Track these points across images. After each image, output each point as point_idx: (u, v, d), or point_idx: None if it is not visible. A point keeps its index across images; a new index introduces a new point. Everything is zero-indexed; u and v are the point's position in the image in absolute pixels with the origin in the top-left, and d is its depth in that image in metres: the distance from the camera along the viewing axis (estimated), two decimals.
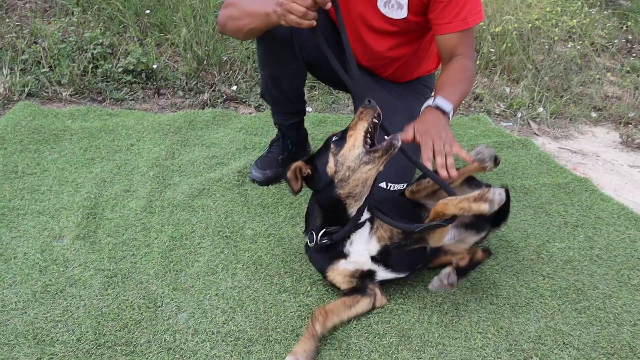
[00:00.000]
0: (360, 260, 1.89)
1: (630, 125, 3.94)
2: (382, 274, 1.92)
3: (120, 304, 1.83)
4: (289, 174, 1.84)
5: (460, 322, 1.88)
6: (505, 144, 3.30)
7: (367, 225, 1.89)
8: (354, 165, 1.77)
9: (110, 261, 2.03)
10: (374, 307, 1.90)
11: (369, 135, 1.78)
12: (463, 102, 3.91)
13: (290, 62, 2.35)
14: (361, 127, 1.78)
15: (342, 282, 1.90)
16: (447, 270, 1.81)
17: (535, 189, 2.81)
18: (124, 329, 1.73)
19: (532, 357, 1.76)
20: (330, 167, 1.79)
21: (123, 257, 2.06)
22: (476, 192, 1.68)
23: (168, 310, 1.83)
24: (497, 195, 1.65)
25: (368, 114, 1.78)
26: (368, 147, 1.77)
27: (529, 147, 3.29)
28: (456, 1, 2.08)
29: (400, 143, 1.78)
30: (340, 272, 1.90)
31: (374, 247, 1.88)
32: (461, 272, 1.82)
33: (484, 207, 1.65)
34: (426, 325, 1.86)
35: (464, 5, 2.09)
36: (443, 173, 1.77)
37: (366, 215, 1.88)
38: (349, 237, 1.87)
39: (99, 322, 1.74)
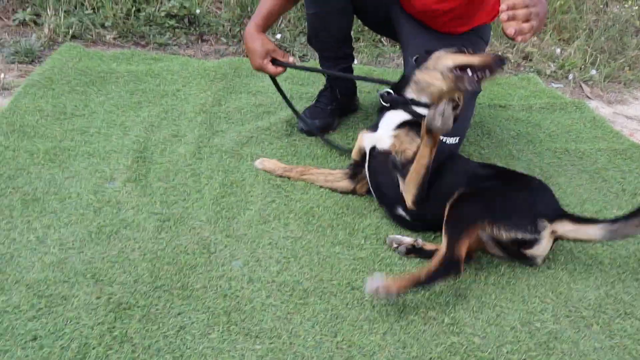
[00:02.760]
0: (370, 141, 2.08)
1: None
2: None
3: (174, 248, 1.82)
4: None
5: (518, 285, 1.84)
6: (558, 106, 3.19)
7: (400, 120, 2.05)
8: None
9: (162, 205, 2.01)
10: (354, 192, 2.19)
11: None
12: (513, 60, 3.79)
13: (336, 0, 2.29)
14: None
15: (354, 151, 2.16)
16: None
17: (591, 153, 2.72)
18: (179, 273, 1.72)
19: (592, 325, 1.72)
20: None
21: (175, 202, 2.04)
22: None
23: (222, 257, 1.81)
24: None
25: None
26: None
27: (582, 110, 3.18)
28: None
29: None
30: (361, 139, 2.14)
31: (385, 143, 2.03)
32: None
33: None
34: (482, 286, 1.82)
35: None
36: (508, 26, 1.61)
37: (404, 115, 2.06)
38: (384, 112, 2.10)
39: (155, 265, 1.74)
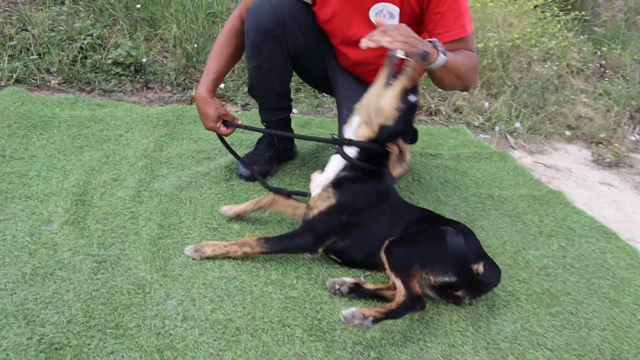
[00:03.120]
0: (315, 184, 2.20)
1: (601, 145, 4.07)
2: None
3: (110, 288, 1.84)
4: None
5: (441, 320, 1.94)
6: (484, 155, 3.39)
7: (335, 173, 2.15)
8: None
9: (100, 247, 2.03)
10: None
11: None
12: (444, 112, 4.01)
13: (276, 54, 2.43)
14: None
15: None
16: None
17: (512, 199, 2.89)
18: (113, 313, 1.74)
19: (508, 356, 1.83)
20: None
21: (112, 244, 2.06)
22: None
23: (157, 296, 1.84)
24: None
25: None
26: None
27: (506, 159, 3.38)
28: (451, 12, 2.14)
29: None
30: (312, 178, 2.24)
31: (314, 192, 2.17)
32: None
33: None
34: (408, 322, 1.91)
35: (460, 14, 2.17)
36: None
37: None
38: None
39: (89, 305, 1.75)
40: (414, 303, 1.82)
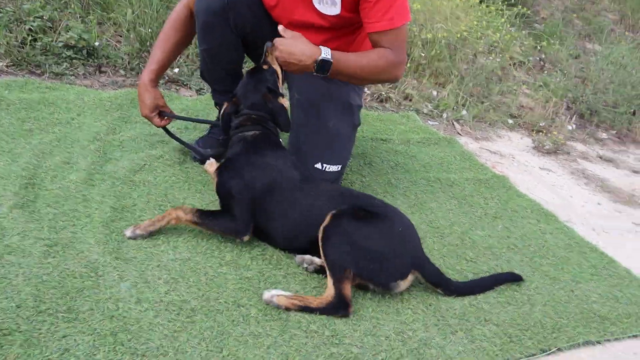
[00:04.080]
0: None
1: (540, 133, 4.17)
2: None
3: (61, 272, 1.74)
4: None
5: (392, 299, 1.93)
6: (433, 141, 3.41)
7: None
8: None
9: (51, 230, 1.93)
10: None
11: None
12: (395, 99, 4.02)
13: (226, 35, 2.37)
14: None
15: None
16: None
17: (459, 182, 2.92)
18: (65, 297, 1.65)
19: (457, 332, 1.85)
20: None
21: (63, 227, 1.96)
22: None
23: (110, 279, 1.76)
24: None
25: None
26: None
27: (453, 145, 3.42)
28: (383, 2, 2.10)
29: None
30: None
31: None
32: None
33: None
34: (361, 300, 1.90)
35: (390, 6, 2.11)
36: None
37: None
38: None
39: (39, 289, 1.66)
40: (337, 309, 1.78)
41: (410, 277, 1.92)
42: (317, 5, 2.22)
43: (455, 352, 1.76)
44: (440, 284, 1.99)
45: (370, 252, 1.86)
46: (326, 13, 2.23)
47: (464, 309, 1.96)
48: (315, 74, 2.11)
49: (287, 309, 1.76)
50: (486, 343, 1.82)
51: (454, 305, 1.97)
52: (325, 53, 2.07)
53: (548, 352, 1.87)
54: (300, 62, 2.08)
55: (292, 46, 2.09)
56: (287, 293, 1.81)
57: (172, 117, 2.53)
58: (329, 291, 1.80)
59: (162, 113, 2.46)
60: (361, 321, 1.80)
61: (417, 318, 1.87)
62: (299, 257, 2.00)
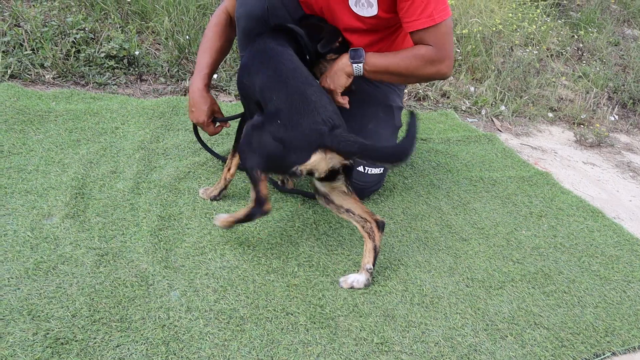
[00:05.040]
0: None
1: (582, 126, 4.04)
2: None
3: (112, 281, 1.76)
4: None
5: (440, 304, 1.89)
6: (472, 139, 3.33)
7: None
8: None
9: (101, 240, 1.95)
10: None
11: None
12: (432, 97, 3.94)
13: None
14: None
15: None
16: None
17: (502, 181, 2.85)
18: (117, 306, 1.67)
19: (507, 336, 1.79)
20: None
21: (113, 236, 1.98)
22: None
23: (160, 288, 1.77)
24: None
25: None
26: None
27: (494, 142, 3.34)
28: (420, 0, 2.05)
29: None
30: None
31: None
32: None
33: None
34: (409, 306, 1.86)
35: (428, 3, 2.04)
36: None
37: None
38: None
39: (93, 299, 1.68)
40: (258, 208, 1.88)
41: (316, 156, 1.77)
42: (353, 8, 2.18)
43: (506, 358, 1.71)
44: (354, 152, 1.77)
45: (267, 148, 1.82)
46: (363, 15, 2.19)
47: (512, 312, 1.90)
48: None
49: (226, 227, 1.98)
50: (537, 348, 1.77)
51: (502, 309, 1.91)
52: (357, 70, 2.13)
53: (603, 357, 1.80)
54: (344, 87, 2.17)
55: (331, 85, 2.18)
56: (227, 215, 1.97)
57: (225, 120, 2.45)
58: (252, 196, 1.88)
59: (215, 119, 2.42)
60: (410, 327, 1.76)
61: (466, 323, 1.82)
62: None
